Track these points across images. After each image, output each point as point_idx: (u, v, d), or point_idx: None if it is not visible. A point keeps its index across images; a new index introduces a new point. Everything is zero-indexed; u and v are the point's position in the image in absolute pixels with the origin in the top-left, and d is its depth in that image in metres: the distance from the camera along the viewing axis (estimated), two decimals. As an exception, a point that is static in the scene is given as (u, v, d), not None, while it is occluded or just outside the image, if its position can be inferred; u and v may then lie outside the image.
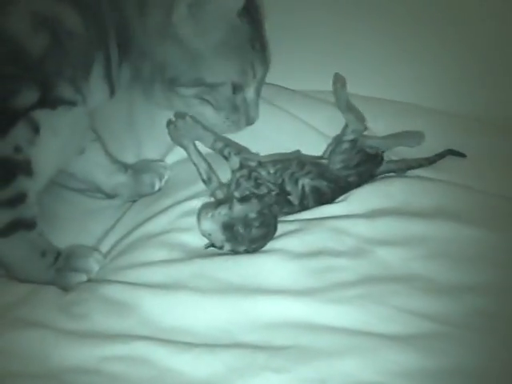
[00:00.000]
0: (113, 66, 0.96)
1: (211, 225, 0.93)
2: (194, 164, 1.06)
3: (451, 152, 1.11)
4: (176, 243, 0.99)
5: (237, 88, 1.01)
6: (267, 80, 1.11)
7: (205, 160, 1.07)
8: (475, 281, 0.93)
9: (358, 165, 1.06)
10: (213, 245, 0.95)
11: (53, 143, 0.92)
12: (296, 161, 1.05)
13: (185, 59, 0.97)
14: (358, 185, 1.06)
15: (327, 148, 1.13)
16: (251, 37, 1.00)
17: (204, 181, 1.05)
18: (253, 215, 0.94)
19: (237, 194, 0.99)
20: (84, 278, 0.97)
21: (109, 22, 0.93)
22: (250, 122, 1.06)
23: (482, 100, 1.23)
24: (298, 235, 0.98)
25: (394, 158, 1.12)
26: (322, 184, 1.03)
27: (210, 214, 0.94)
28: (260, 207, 0.95)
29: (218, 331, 0.87)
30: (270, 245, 0.97)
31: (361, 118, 1.09)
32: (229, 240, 0.93)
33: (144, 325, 0.87)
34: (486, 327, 0.86)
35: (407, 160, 1.10)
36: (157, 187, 1.12)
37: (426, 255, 0.96)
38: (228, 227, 0.93)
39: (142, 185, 1.11)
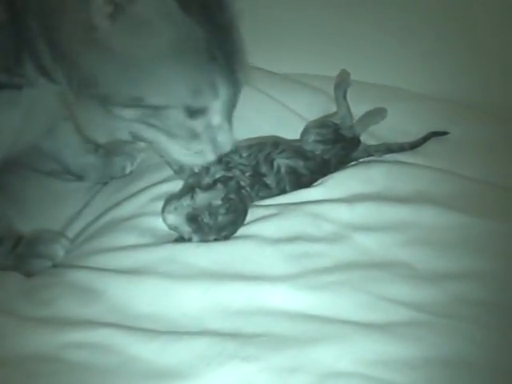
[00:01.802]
0: (44, 61, 0.79)
1: (175, 218, 0.89)
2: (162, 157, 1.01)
3: (434, 134, 1.07)
4: (146, 228, 0.94)
5: (194, 112, 0.77)
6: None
7: None
8: (458, 268, 0.90)
9: (334, 141, 1.02)
10: (182, 238, 0.91)
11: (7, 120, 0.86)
12: (271, 141, 1.01)
13: (117, 72, 0.74)
14: (337, 167, 1.03)
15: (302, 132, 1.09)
16: (209, 43, 0.74)
17: (175, 171, 1.00)
18: (217, 202, 0.89)
19: (205, 180, 0.94)
20: (48, 264, 0.92)
21: (31, 17, 0.76)
22: (219, 150, 0.82)
23: (467, 85, 1.21)
24: (274, 220, 0.94)
25: (373, 142, 1.08)
26: (299, 164, 0.99)
27: (173, 207, 0.89)
28: (225, 193, 0.90)
29: (187, 318, 0.83)
30: (245, 230, 0.93)
31: (350, 113, 1.07)
32: (195, 231, 0.89)
33: (110, 311, 0.83)
34: (469, 315, 0.83)
35: (387, 144, 1.07)
36: (128, 170, 1.07)
37: (408, 241, 0.93)
38: (192, 218, 0.89)
39: (112, 167, 1.07)
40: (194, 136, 0.79)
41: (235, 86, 0.78)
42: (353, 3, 1.19)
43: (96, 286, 0.86)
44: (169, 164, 0.99)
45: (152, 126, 0.77)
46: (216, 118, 0.79)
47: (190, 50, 0.74)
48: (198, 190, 0.90)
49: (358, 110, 1.10)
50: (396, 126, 1.14)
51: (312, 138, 1.01)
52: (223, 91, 0.77)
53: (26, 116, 0.88)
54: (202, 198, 0.89)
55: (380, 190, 1.00)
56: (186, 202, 0.89)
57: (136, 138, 0.83)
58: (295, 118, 1.11)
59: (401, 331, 0.80)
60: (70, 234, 1.00)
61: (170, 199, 0.91)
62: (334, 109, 1.11)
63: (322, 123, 1.05)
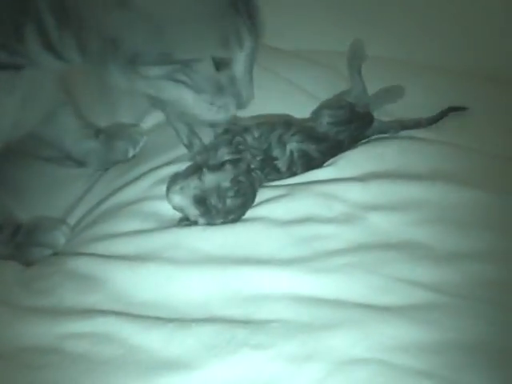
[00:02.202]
0: (51, 34, 0.76)
1: (181, 199, 0.85)
2: (174, 127, 0.97)
3: (452, 109, 1.02)
4: (150, 212, 0.91)
5: (220, 64, 0.78)
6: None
7: (186, 123, 0.96)
8: (476, 247, 0.85)
9: (348, 122, 0.98)
10: (187, 219, 0.87)
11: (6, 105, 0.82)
12: (282, 122, 0.96)
13: (143, 31, 0.73)
14: (349, 146, 0.98)
15: (314, 111, 1.05)
16: None
17: (186, 145, 0.95)
18: (226, 184, 0.85)
19: (213, 161, 0.90)
20: (49, 252, 0.89)
21: None
22: (242, 105, 0.83)
23: (488, 58, 1.15)
24: (283, 202, 0.90)
25: (387, 119, 1.03)
26: (311, 147, 0.95)
27: (179, 187, 0.85)
28: (234, 174, 0.86)
29: (194, 305, 0.79)
30: (253, 212, 0.89)
31: (366, 90, 1.02)
32: (203, 214, 0.85)
33: (113, 300, 0.80)
34: (488, 297, 0.79)
35: (402, 120, 1.02)
36: (130, 154, 1.03)
37: (423, 220, 0.89)
38: (200, 201, 0.84)
39: (114, 151, 1.03)
40: (219, 89, 0.80)
41: (257, 38, 0.79)
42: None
43: (98, 274, 0.82)
44: (179, 137, 0.94)
45: (179, 82, 0.77)
46: (240, 70, 0.79)
47: (216, 2, 0.74)
48: (205, 170, 0.86)
49: (370, 86, 1.05)
50: (411, 101, 1.09)
51: (326, 120, 0.97)
52: (247, 43, 0.77)
53: (25, 100, 0.84)
54: (210, 179, 0.85)
55: (393, 167, 0.96)
56: (194, 182, 0.84)
57: (156, 102, 0.82)
58: (303, 95, 1.06)
59: (418, 314, 0.76)
60: (72, 221, 0.96)
61: (176, 179, 0.87)
62: (343, 85, 1.07)
63: (337, 104, 1.00)
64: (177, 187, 0.85)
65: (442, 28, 1.17)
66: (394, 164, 0.96)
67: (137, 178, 0.97)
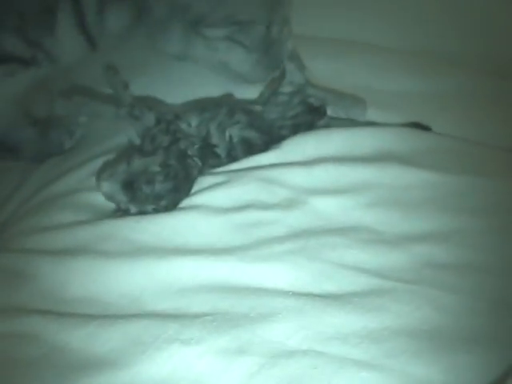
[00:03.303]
0: (88, 13, 0.82)
1: (110, 185, 0.81)
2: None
3: (416, 126, 0.98)
4: (84, 204, 0.86)
5: (269, 26, 0.88)
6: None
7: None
8: (424, 229, 0.82)
9: (296, 116, 0.94)
10: (120, 209, 0.82)
11: None
12: (226, 108, 0.92)
13: None
14: (290, 135, 0.94)
15: (262, 93, 1.00)
16: None
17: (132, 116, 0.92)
18: (155, 168, 0.81)
19: (149, 148, 0.86)
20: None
21: None
22: (279, 64, 0.92)
23: (440, 36, 1.14)
24: (223, 188, 0.86)
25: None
26: (253, 135, 0.91)
27: (108, 173, 0.81)
28: (164, 158, 0.82)
29: (126, 300, 0.75)
30: (191, 200, 0.86)
31: (301, 67, 0.97)
32: (131, 200, 0.81)
33: (40, 297, 0.75)
34: (435, 280, 0.76)
35: (357, 122, 0.97)
36: (66, 146, 0.98)
37: (369, 203, 0.86)
38: (127, 185, 0.80)
39: (49, 142, 0.98)
40: (266, 49, 0.89)
41: (289, 5, 0.90)
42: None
43: (25, 270, 0.78)
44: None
45: (236, 42, 0.87)
46: (276, 31, 0.89)
47: None
48: (135, 155, 0.81)
49: (312, 64, 1.00)
50: (359, 81, 1.05)
51: (273, 116, 0.94)
52: (284, 8, 0.88)
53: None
54: (138, 163, 0.81)
55: (339, 151, 0.92)
56: (122, 167, 0.80)
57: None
58: (241, 79, 1.01)
59: (361, 301, 0.73)
60: (3, 215, 0.91)
61: (105, 166, 0.83)
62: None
63: (279, 102, 0.95)
64: (106, 174, 0.80)
65: (393, 6, 1.13)
66: (340, 147, 0.93)
67: (71, 169, 0.92)
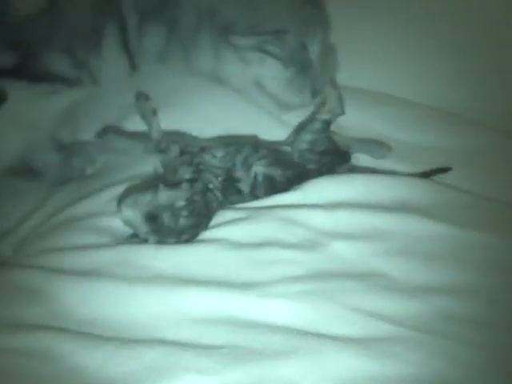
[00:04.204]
0: (130, 32, 0.81)
1: (133, 213, 0.81)
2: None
3: (437, 171, 0.99)
4: (104, 228, 0.87)
5: (304, 41, 0.83)
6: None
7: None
8: (442, 281, 0.82)
9: (324, 153, 0.94)
10: (136, 235, 0.83)
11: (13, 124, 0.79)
12: (250, 144, 0.93)
13: (237, 2, 0.82)
14: (315, 176, 0.95)
15: (291, 134, 1.01)
16: None
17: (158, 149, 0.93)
18: (181, 203, 0.81)
19: (174, 179, 0.87)
20: (-7, 261, 0.83)
21: None
22: (315, 92, 0.88)
23: (460, 94, 1.16)
24: (242, 224, 0.86)
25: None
26: (277, 173, 0.92)
27: (131, 200, 0.81)
28: (190, 193, 0.82)
29: (140, 326, 0.74)
30: (211, 233, 0.86)
31: (341, 99, 0.97)
32: (153, 232, 0.81)
33: (55, 315, 0.75)
34: (452, 332, 0.75)
35: (378, 170, 0.98)
36: (87, 172, 0.99)
37: (388, 251, 0.85)
38: (152, 217, 0.80)
39: (71, 167, 0.99)
40: (303, 66, 0.84)
41: (327, 29, 0.86)
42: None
43: (41, 287, 0.78)
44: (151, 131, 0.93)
45: (268, 53, 0.82)
46: (315, 53, 0.84)
47: None
48: (161, 186, 0.82)
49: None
50: (383, 132, 1.06)
51: (303, 146, 0.94)
52: (319, 29, 0.83)
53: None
54: (165, 196, 0.81)
55: (360, 197, 0.92)
56: (147, 197, 0.80)
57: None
58: (268, 117, 1.02)
59: (379, 347, 0.72)
60: (23, 232, 0.91)
61: (129, 192, 0.83)
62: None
63: (317, 131, 0.96)
64: (129, 200, 0.80)
65: (419, 62, 1.15)
66: (361, 193, 0.93)
67: (93, 193, 0.93)
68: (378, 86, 1.14)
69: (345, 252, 0.85)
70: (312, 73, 0.85)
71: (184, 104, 1.01)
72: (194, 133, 0.99)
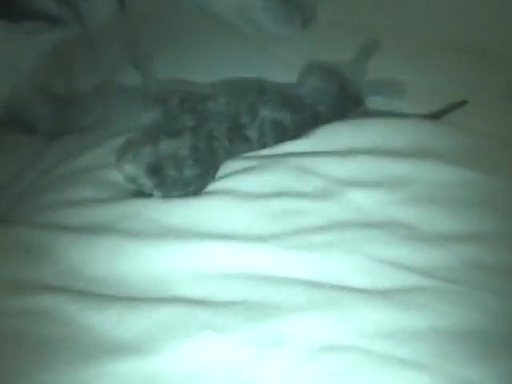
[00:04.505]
0: None
1: (134, 168, 0.76)
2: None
3: (454, 105, 0.93)
4: (105, 181, 0.82)
5: None
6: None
7: None
8: (466, 229, 0.78)
9: (336, 96, 0.90)
10: (141, 192, 0.78)
11: None
12: (256, 87, 0.88)
13: None
14: (327, 120, 0.89)
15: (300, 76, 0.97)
16: None
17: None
18: (184, 152, 0.76)
19: (175, 128, 0.82)
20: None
21: None
22: (306, 21, 0.85)
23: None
24: (254, 173, 0.82)
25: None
26: (285, 117, 0.86)
27: (131, 154, 0.76)
28: (193, 141, 0.77)
29: (151, 283, 0.70)
30: (221, 184, 0.82)
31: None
32: (158, 185, 0.76)
33: (60, 274, 0.71)
34: (480, 281, 0.71)
35: (393, 113, 0.93)
36: (82, 125, 0.93)
37: (408, 199, 0.81)
38: (154, 169, 0.75)
39: (67, 120, 0.93)
40: None
41: None
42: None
43: (43, 245, 0.73)
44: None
45: None
46: None
47: None
48: (162, 136, 0.76)
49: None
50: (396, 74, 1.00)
51: (313, 82, 0.89)
52: None
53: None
54: (166, 146, 0.76)
55: (376, 143, 0.88)
56: (148, 149, 0.75)
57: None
58: (280, 64, 0.97)
59: (402, 298, 0.69)
60: (18, 188, 0.86)
61: (128, 145, 0.77)
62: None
63: (330, 69, 0.91)
64: (130, 155, 0.75)
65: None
66: (377, 139, 0.88)
67: (92, 146, 0.88)
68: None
69: (363, 201, 0.81)
70: (299, 2, 0.81)
71: (178, 42, 0.95)
72: (192, 78, 0.93)
